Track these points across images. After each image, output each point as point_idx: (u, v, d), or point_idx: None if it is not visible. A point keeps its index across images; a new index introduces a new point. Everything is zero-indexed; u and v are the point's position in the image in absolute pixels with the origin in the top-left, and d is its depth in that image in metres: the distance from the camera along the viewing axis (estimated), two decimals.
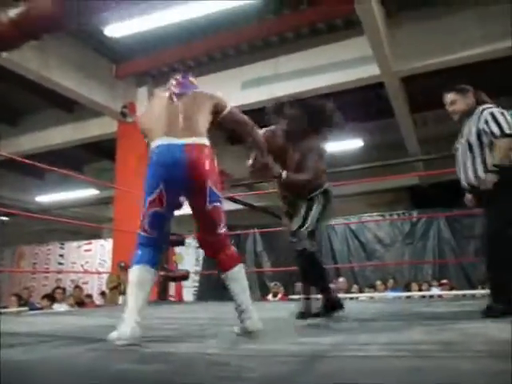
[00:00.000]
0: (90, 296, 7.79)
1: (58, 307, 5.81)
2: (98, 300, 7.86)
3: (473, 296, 4.94)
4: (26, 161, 4.29)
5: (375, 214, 8.52)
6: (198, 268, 9.20)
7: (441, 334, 1.75)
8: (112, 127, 6.92)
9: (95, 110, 6.60)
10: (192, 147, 1.74)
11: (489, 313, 2.30)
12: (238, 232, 7.63)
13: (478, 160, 2.58)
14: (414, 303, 4.30)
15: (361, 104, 7.28)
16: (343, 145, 8.27)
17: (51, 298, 6.20)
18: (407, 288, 6.89)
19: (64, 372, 1.21)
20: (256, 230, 7.77)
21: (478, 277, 6.38)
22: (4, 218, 13.53)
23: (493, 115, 2.54)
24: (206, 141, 1.81)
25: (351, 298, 5.85)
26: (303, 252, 2.37)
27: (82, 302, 7.00)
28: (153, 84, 6.80)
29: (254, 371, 1.11)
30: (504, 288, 2.38)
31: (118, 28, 5.20)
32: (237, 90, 6.20)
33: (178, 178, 1.72)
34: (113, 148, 7.12)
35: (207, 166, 1.75)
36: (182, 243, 4.78)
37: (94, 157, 9.49)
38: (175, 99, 1.91)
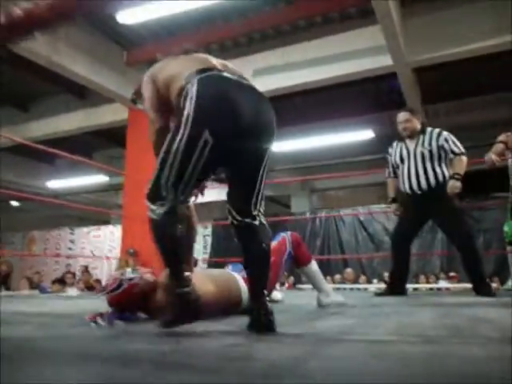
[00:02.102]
0: (98, 281, 7.89)
1: (69, 291, 5.91)
2: None
3: None
4: (38, 146, 4.34)
5: (384, 205, 8.50)
6: (206, 256, 9.27)
7: (448, 319, 1.76)
8: (123, 114, 6.94)
9: (106, 96, 6.62)
10: None
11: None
12: None
13: (438, 169, 3.33)
14: (422, 295, 4.30)
15: (372, 94, 7.22)
16: (354, 136, 8.24)
17: (62, 282, 6.30)
18: (415, 280, 6.89)
19: (81, 350, 1.24)
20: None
21: (487, 269, 6.35)
22: (15, 203, 13.71)
23: (450, 136, 3.38)
24: None
25: (358, 289, 5.86)
26: None
27: (91, 286, 7.11)
28: None
29: (263, 353, 1.13)
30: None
31: (131, 15, 5.19)
32: (248, 78, 6.17)
33: None
34: (123, 135, 7.15)
35: None
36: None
37: (105, 143, 9.53)
38: None
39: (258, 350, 1.19)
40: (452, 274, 6.95)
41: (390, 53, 5.25)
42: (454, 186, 3.22)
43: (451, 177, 3.27)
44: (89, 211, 11.49)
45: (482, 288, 3.16)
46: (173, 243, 1.45)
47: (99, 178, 10.63)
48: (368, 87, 6.84)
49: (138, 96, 1.86)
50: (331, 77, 5.81)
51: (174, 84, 1.56)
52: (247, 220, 1.54)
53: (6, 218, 15.23)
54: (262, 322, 1.44)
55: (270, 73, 6.09)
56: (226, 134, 1.42)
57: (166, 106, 1.64)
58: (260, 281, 1.53)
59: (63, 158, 9.04)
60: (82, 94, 7.49)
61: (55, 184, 10.98)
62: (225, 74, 1.53)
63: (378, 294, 3.55)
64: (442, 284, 6.59)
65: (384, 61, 5.46)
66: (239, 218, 1.54)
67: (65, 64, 5.63)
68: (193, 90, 1.43)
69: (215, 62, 1.66)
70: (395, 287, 3.46)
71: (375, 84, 6.68)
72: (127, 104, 6.55)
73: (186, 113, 1.41)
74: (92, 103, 7.39)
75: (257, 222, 1.54)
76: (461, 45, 5.22)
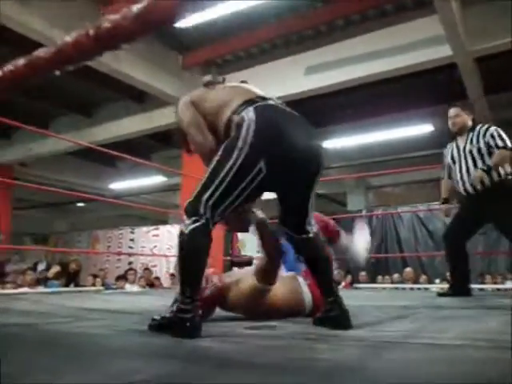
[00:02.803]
0: (158, 278, 8.16)
1: (130, 287, 6.16)
2: (165, 282, 8.21)
3: None
4: (101, 148, 4.55)
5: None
6: (260, 254, 9.31)
7: None
8: None
9: (163, 100, 6.83)
10: None
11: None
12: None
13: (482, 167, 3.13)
14: (488, 295, 4.09)
15: (431, 87, 6.95)
16: (412, 130, 7.97)
17: (124, 278, 6.59)
18: (480, 280, 6.57)
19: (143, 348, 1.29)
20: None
21: None
22: (81, 204, 14.49)
23: (497, 131, 3.16)
24: None
25: (419, 289, 5.67)
26: None
27: (151, 283, 7.37)
28: (217, 72, 6.91)
29: (324, 353, 1.13)
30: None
31: (187, 18, 5.30)
32: (300, 75, 6.15)
33: None
34: None
35: None
36: (246, 230, 4.85)
37: (162, 145, 9.83)
38: None
39: (321, 350, 1.18)
40: None
41: (450, 43, 5.02)
42: (478, 176, 3.05)
43: (482, 168, 3.09)
44: (148, 211, 11.92)
45: None
46: (194, 263, 1.43)
47: (158, 179, 10.99)
48: (427, 79, 6.58)
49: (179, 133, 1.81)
50: (388, 70, 5.65)
51: (225, 111, 1.55)
52: (303, 236, 1.61)
53: (73, 219, 16.19)
54: (339, 315, 1.55)
55: (323, 70, 6.02)
56: (281, 164, 1.44)
57: (213, 132, 1.64)
58: (328, 282, 1.63)
59: (124, 160, 9.44)
60: (140, 99, 7.77)
61: (117, 185, 11.48)
62: (274, 103, 1.54)
63: (441, 294, 3.41)
64: (510, 285, 6.23)
65: (443, 51, 5.24)
66: (295, 236, 1.62)
67: (124, 70, 5.87)
68: (250, 118, 1.44)
69: (259, 92, 1.64)
70: (458, 287, 3.31)
71: (434, 76, 6.41)
72: None
73: (241, 139, 1.41)
74: (150, 107, 7.65)
75: (311, 235, 1.61)
76: None
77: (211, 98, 1.66)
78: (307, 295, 1.93)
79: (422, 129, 7.89)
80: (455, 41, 4.99)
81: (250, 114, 1.45)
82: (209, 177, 1.45)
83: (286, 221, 1.62)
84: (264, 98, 1.55)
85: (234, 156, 1.41)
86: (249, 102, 1.50)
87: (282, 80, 6.14)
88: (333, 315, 1.55)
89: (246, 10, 5.24)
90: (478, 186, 3.09)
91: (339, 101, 7.28)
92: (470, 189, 3.20)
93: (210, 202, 1.43)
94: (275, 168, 1.42)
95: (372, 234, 8.80)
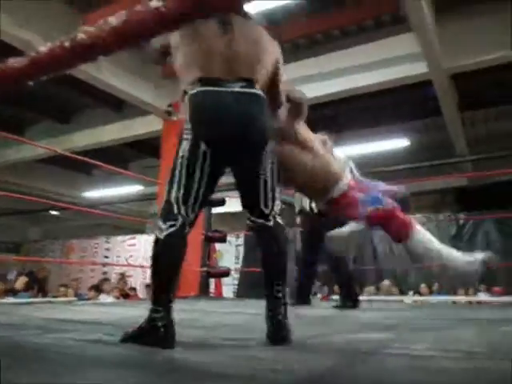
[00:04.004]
0: (134, 289, 8.02)
1: (104, 298, 6.03)
2: (141, 293, 8.07)
3: None
4: (76, 156, 4.49)
5: (419, 215, 8.30)
6: (238, 266, 9.27)
7: (489, 335, 1.69)
8: (157, 125, 7.09)
9: (142, 108, 6.79)
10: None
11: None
12: None
13: None
14: (461, 308, 4.17)
15: (407, 102, 7.11)
16: (389, 144, 8.11)
17: (98, 289, 6.46)
18: (453, 292, 6.67)
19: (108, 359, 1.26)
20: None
21: None
22: (55, 213, 14.17)
23: None
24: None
25: (394, 301, 5.73)
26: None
27: (126, 294, 7.23)
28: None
29: (299, 363, 1.12)
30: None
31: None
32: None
33: None
34: (158, 146, 7.29)
35: None
36: (223, 240, 4.84)
37: (140, 154, 9.75)
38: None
39: (296, 360, 1.18)
40: (496, 288, 6.68)
41: (426, 60, 5.16)
42: None
43: None
44: (124, 220, 11.75)
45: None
46: (170, 270, 1.42)
47: (135, 188, 10.87)
48: (404, 95, 6.74)
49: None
50: (366, 85, 5.76)
51: (183, 83, 1.60)
52: (260, 221, 1.54)
53: (47, 227, 15.81)
54: (275, 335, 1.43)
55: (304, 82, 6.09)
56: (218, 141, 1.47)
57: None
58: (275, 285, 1.49)
59: (100, 168, 9.32)
60: (119, 107, 7.71)
61: (93, 194, 11.29)
62: (212, 89, 1.50)
63: (336, 307, 3.38)
64: (482, 297, 6.35)
65: (420, 68, 5.38)
66: (252, 219, 1.56)
67: (104, 79, 5.82)
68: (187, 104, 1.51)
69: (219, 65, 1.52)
70: (346, 299, 3.38)
71: (411, 91, 6.57)
72: (162, 116, 6.69)
73: (185, 125, 1.49)
74: (129, 115, 7.59)
75: (271, 223, 1.54)
76: (499, 50, 5.08)
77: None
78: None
79: (397, 143, 8.05)
80: (431, 58, 5.13)
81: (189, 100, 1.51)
82: (170, 176, 1.49)
83: (243, 201, 1.60)
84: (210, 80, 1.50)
85: (183, 145, 1.48)
86: (196, 83, 1.51)
87: None
88: (268, 329, 1.45)
89: None
90: None
91: (316, 114, 7.37)
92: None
93: (180, 200, 1.44)
94: (215, 146, 1.46)
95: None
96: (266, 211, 1.54)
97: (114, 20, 0.91)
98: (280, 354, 1.28)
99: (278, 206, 1.57)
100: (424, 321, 2.43)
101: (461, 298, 6.18)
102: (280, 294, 1.48)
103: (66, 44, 0.99)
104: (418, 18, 4.49)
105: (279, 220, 1.57)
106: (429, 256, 1.74)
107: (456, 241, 7.51)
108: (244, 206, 1.60)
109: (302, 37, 5.96)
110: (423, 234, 1.91)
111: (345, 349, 1.37)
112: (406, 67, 5.49)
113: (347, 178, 2.22)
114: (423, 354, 1.28)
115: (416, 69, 5.43)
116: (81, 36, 0.96)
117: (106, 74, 5.79)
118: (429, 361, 1.17)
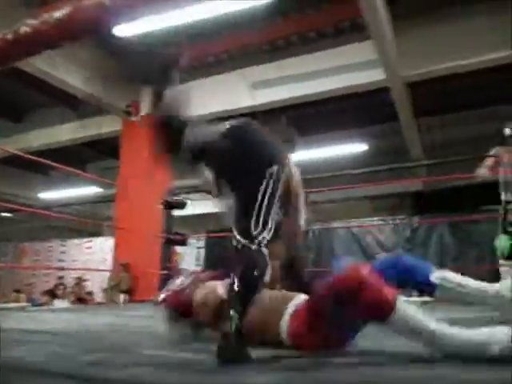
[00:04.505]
0: (90, 293, 7.80)
1: (59, 303, 5.83)
2: (98, 297, 7.86)
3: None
4: (30, 156, 4.31)
5: (376, 218, 8.52)
6: (199, 268, 9.19)
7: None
8: (116, 126, 6.94)
9: (100, 108, 6.62)
10: None
11: None
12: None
13: None
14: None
15: (366, 108, 7.28)
16: (347, 148, 8.27)
17: (52, 293, 6.24)
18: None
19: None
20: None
21: None
22: (7, 214, 13.57)
23: None
24: None
25: None
26: None
27: (82, 298, 7.03)
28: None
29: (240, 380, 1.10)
30: None
31: (127, 28, 5.20)
32: (246, 91, 6.21)
33: None
34: (116, 146, 7.13)
35: None
36: (184, 243, 4.78)
37: (98, 155, 9.51)
38: None
39: (253, 375, 1.15)
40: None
41: (383, 67, 5.30)
42: None
43: None
44: (81, 223, 11.41)
45: None
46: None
47: (92, 190, 10.57)
48: (362, 100, 6.89)
49: None
50: (325, 90, 5.86)
51: None
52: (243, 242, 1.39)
53: None
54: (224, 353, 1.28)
55: (266, 86, 6.13)
56: None
57: None
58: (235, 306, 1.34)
59: (56, 169, 9.01)
60: (76, 106, 7.49)
61: (48, 195, 10.89)
62: None
63: None
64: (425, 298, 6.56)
65: (377, 75, 5.52)
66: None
67: (60, 76, 5.64)
68: None
69: None
70: None
71: (369, 97, 6.73)
72: (121, 116, 6.55)
73: None
74: (86, 115, 7.39)
75: (253, 247, 1.39)
76: (454, 60, 5.28)
77: None
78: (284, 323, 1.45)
79: (356, 148, 8.22)
80: (388, 65, 5.27)
81: None
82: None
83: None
84: None
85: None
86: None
87: (228, 94, 6.19)
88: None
89: (187, 25, 5.21)
90: None
91: (278, 118, 7.42)
92: None
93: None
94: None
95: (308, 248, 9.00)
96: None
97: (57, 13, 0.88)
98: (240, 369, 1.27)
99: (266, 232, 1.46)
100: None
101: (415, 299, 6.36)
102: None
103: (9, 36, 0.95)
104: (376, 26, 4.61)
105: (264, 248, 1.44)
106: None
107: (410, 243, 7.76)
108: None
109: (264, 42, 5.99)
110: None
111: (287, 362, 1.37)
112: (365, 74, 5.63)
113: None
114: (375, 361, 1.29)
115: (374, 76, 5.57)
116: (24, 29, 0.93)
117: (62, 71, 5.62)
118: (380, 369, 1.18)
